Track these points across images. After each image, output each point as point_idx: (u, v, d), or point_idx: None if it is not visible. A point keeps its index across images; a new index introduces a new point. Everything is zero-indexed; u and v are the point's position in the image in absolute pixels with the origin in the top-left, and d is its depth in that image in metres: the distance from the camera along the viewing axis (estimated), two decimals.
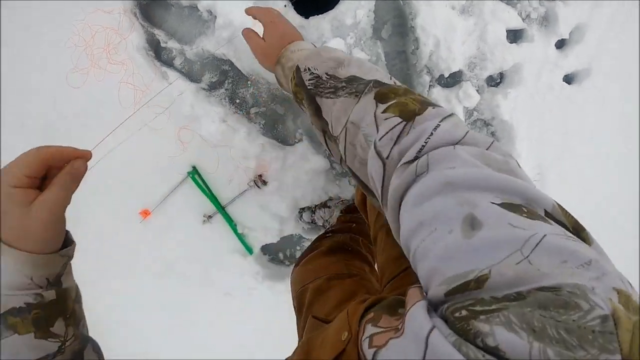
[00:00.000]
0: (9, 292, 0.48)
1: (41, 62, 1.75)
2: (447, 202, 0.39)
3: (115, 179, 1.81)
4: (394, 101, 0.52)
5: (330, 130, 0.61)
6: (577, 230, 0.37)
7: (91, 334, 0.63)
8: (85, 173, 0.55)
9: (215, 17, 1.61)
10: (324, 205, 1.72)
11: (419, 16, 1.66)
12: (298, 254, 1.89)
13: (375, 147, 0.50)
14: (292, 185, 1.70)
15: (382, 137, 0.49)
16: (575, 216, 0.38)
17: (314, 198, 1.71)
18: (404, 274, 0.89)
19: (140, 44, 1.69)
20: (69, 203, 0.53)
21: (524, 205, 0.37)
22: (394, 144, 0.48)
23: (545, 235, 0.33)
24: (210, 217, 1.78)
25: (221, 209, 1.75)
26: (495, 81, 1.82)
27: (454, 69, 1.69)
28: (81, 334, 0.58)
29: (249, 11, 0.92)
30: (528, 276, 0.30)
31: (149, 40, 1.71)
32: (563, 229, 0.36)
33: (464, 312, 0.31)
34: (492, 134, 1.82)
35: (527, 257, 0.32)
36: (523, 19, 1.77)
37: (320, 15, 1.63)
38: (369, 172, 0.52)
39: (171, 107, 1.69)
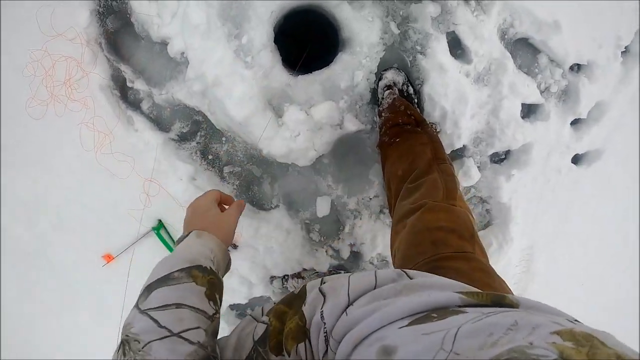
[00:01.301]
0: (201, 257, 0.60)
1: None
2: (361, 352, 0.36)
3: (80, 220, 1.44)
4: (284, 339, 0.47)
5: None
6: (498, 302, 0.35)
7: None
8: (243, 209, 0.77)
9: (188, 61, 1.18)
10: (297, 275, 1.37)
11: (427, 83, 1.23)
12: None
13: None
14: (264, 254, 1.33)
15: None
16: (490, 290, 0.36)
17: (287, 269, 1.35)
18: None
19: (104, 82, 1.26)
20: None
21: (432, 313, 0.34)
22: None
23: (460, 326, 0.29)
24: None
25: None
26: (500, 157, 1.42)
27: (457, 145, 1.29)
28: (219, 319, 0.59)
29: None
30: None
31: (114, 76, 1.27)
32: (481, 308, 0.33)
33: None
34: (487, 211, 1.44)
35: (451, 350, 0.27)
36: (542, 92, 1.35)
37: (311, 74, 1.20)
38: None
39: (136, 157, 1.29)
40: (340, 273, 1.39)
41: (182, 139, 1.30)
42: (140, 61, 1.25)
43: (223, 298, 1.52)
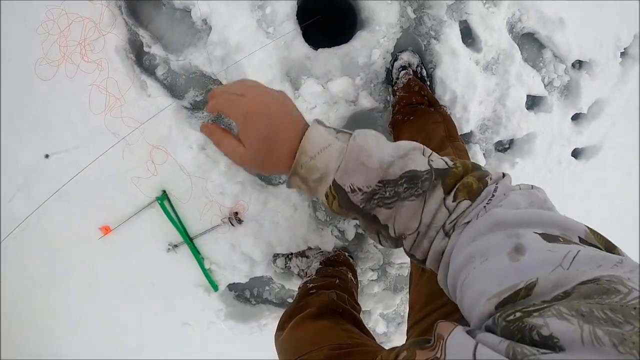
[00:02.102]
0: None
1: (8, 44, 1.32)
2: (496, 237, 0.39)
3: (78, 188, 1.41)
4: (459, 185, 0.47)
5: (392, 233, 0.50)
6: (609, 249, 0.38)
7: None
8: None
9: (211, 28, 1.21)
10: (301, 254, 1.37)
11: (440, 66, 1.29)
12: (266, 295, 1.54)
13: (444, 229, 0.46)
14: (269, 229, 1.33)
15: (452, 220, 0.46)
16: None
17: (292, 246, 1.36)
18: (433, 315, 0.73)
19: (121, 45, 1.27)
20: None
21: (560, 236, 0.38)
22: (460, 217, 0.45)
23: (579, 251, 0.33)
24: (175, 246, 1.40)
25: (189, 241, 1.38)
26: (504, 146, 1.48)
27: (465, 130, 1.34)
28: None
29: (211, 110, 0.56)
30: (570, 277, 0.31)
31: (131, 40, 1.29)
32: (595, 248, 0.36)
33: (517, 314, 0.30)
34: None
35: (567, 269, 0.32)
36: (545, 85, 1.43)
37: (331, 48, 1.24)
38: (432, 253, 0.48)
39: (146, 123, 1.30)
40: (344, 254, 1.40)
41: (195, 107, 1.31)
42: (160, 27, 1.27)
43: (223, 275, 1.49)
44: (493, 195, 0.44)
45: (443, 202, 0.47)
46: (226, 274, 1.43)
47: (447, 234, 0.46)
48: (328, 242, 1.37)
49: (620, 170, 1.57)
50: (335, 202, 0.49)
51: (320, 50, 1.21)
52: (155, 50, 1.27)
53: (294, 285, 1.45)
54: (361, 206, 0.48)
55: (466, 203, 0.45)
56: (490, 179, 0.47)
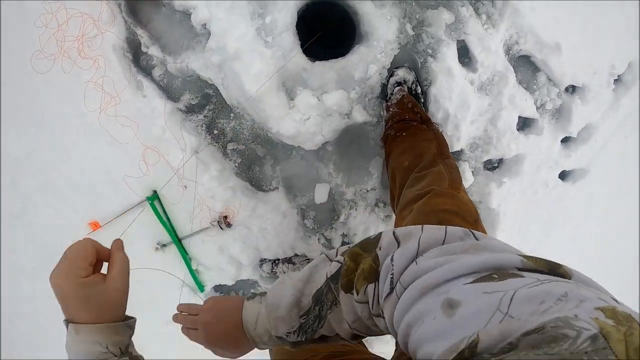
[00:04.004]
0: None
1: (5, 35, 1.35)
2: (426, 301, 0.39)
3: (70, 183, 1.46)
4: (355, 279, 0.51)
5: (345, 338, 0.57)
6: (554, 270, 0.37)
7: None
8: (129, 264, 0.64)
9: (210, 33, 1.25)
10: (288, 260, 1.43)
11: (434, 84, 1.35)
12: None
13: (374, 316, 0.50)
14: (257, 235, 1.39)
15: (372, 306, 0.49)
16: (547, 258, 0.39)
17: (279, 252, 1.42)
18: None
19: (119, 43, 1.31)
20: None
21: (494, 273, 0.37)
22: (378, 300, 0.48)
23: (516, 290, 0.33)
24: (164, 245, 1.46)
25: (178, 242, 1.44)
26: (493, 165, 1.55)
27: (456, 148, 1.41)
28: None
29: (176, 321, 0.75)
30: (512, 328, 0.30)
31: (129, 39, 1.33)
32: (537, 275, 0.36)
33: None
34: None
35: (506, 313, 0.31)
36: (537, 108, 1.49)
37: (328, 61, 1.29)
38: (383, 330, 0.51)
39: (140, 123, 1.34)
40: None
41: (190, 110, 1.35)
42: (159, 28, 1.31)
43: (210, 277, 1.54)
44: (392, 267, 0.46)
45: (353, 300, 0.51)
46: (213, 275, 1.49)
47: (379, 315, 0.49)
48: (315, 249, 1.44)
49: (606, 194, 1.65)
50: (287, 346, 0.61)
51: (317, 62, 1.26)
52: (153, 51, 1.31)
53: None
54: (303, 339, 0.58)
55: (371, 287, 0.49)
56: (380, 248, 0.50)
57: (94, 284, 0.57)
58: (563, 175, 1.62)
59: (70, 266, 0.57)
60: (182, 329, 0.71)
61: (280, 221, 1.38)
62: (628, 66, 1.55)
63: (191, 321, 0.68)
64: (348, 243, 1.50)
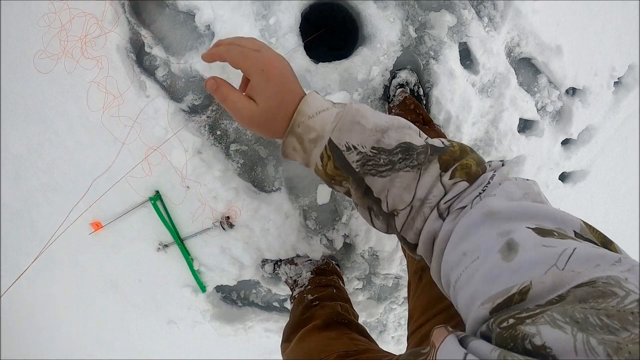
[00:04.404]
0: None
1: (8, 34, 1.36)
2: (488, 233, 0.39)
3: (71, 182, 1.47)
4: (457, 164, 0.48)
5: (385, 208, 0.50)
6: (605, 244, 0.37)
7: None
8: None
9: (213, 34, 1.26)
10: (290, 261, 1.45)
11: (436, 86, 1.37)
12: (253, 297, 1.62)
13: (438, 209, 0.47)
14: (259, 235, 1.40)
15: (447, 200, 0.46)
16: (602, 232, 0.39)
17: (281, 253, 1.43)
18: (431, 322, 0.77)
19: (122, 44, 1.32)
20: None
21: (554, 230, 0.37)
22: (456, 200, 0.46)
23: (575, 248, 0.33)
24: (166, 246, 1.47)
25: (180, 242, 1.45)
26: None
27: None
28: None
29: (214, 55, 0.56)
30: (565, 279, 0.30)
31: (132, 40, 1.34)
32: (592, 244, 0.36)
33: (511, 321, 0.29)
34: None
35: (563, 269, 0.32)
36: (538, 110, 1.51)
37: (331, 63, 1.31)
38: (424, 236, 0.48)
39: (143, 123, 1.35)
40: (332, 263, 1.48)
41: (193, 111, 1.36)
42: (162, 28, 1.32)
43: (212, 277, 1.55)
44: (489, 183, 0.45)
45: (439, 179, 0.47)
46: (214, 275, 1.50)
47: (441, 216, 0.46)
48: (317, 250, 1.45)
49: (606, 195, 1.67)
50: (330, 163, 0.50)
51: (320, 64, 1.28)
52: (157, 51, 1.32)
53: (280, 290, 1.53)
54: (356, 169, 0.49)
55: (464, 184, 0.46)
56: (489, 165, 0.49)
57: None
58: (563, 177, 1.64)
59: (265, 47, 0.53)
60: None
61: (282, 222, 1.40)
62: (628, 68, 1.57)
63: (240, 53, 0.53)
64: (350, 244, 1.52)
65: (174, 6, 1.30)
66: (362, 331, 1.08)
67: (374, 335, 1.71)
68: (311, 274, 1.39)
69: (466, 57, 1.41)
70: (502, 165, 0.49)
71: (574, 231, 0.38)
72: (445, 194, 0.47)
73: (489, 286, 0.34)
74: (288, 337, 1.06)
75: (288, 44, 1.24)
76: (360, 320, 1.65)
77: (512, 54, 1.45)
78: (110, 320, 1.60)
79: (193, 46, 1.32)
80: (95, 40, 1.33)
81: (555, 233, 0.36)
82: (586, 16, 1.46)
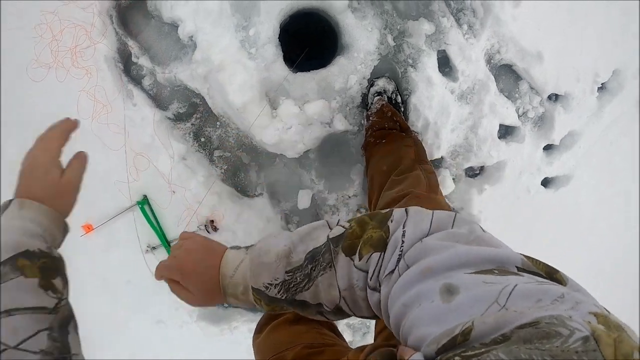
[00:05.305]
0: (26, 237, 0.53)
1: (3, 44, 1.45)
2: (427, 284, 0.40)
3: None
4: (360, 243, 0.51)
5: (327, 308, 0.56)
6: (550, 274, 0.38)
7: None
8: (87, 162, 0.68)
9: (196, 45, 1.33)
10: None
11: (414, 94, 1.41)
12: None
13: (369, 287, 0.50)
14: (242, 239, 1.47)
15: (371, 277, 0.49)
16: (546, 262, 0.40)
17: None
18: None
19: (110, 54, 1.39)
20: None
21: (495, 269, 0.38)
22: (380, 272, 0.49)
23: (516, 285, 0.34)
24: (154, 248, 1.55)
25: (167, 245, 1.52)
26: (475, 172, 1.61)
27: (436, 155, 1.47)
28: (69, 303, 0.58)
29: (158, 277, 0.65)
30: (508, 319, 0.30)
31: (120, 50, 1.41)
32: (536, 277, 0.37)
33: (457, 359, 0.30)
34: None
35: (503, 305, 0.32)
36: (519, 116, 1.54)
37: (309, 72, 1.37)
38: (373, 308, 0.52)
39: (131, 131, 1.43)
40: None
41: (178, 118, 1.44)
42: (148, 39, 1.39)
43: None
44: (403, 242, 0.47)
45: (352, 265, 0.51)
46: None
47: (376, 289, 0.49)
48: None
49: (590, 200, 1.70)
50: (263, 302, 0.57)
51: (299, 73, 1.34)
52: (143, 61, 1.40)
53: None
54: (283, 297, 0.56)
55: (375, 256, 0.49)
56: (392, 221, 0.51)
57: (55, 171, 0.61)
58: (546, 182, 1.68)
59: (47, 148, 0.63)
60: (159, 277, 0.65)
61: (264, 226, 1.46)
62: (613, 73, 1.59)
63: (168, 260, 0.64)
64: None
65: (159, 17, 1.37)
66: (332, 328, 1.12)
67: (357, 337, 1.77)
68: None
69: (445, 65, 1.46)
70: (407, 212, 0.51)
71: (516, 267, 0.39)
72: (366, 272, 0.50)
73: (433, 328, 0.35)
74: (260, 328, 1.10)
75: (267, 54, 1.31)
76: (343, 322, 1.71)
77: (492, 61, 1.49)
78: (100, 319, 1.69)
79: (177, 56, 1.39)
80: (84, 51, 1.41)
81: (495, 271, 0.38)
82: (568, 22, 1.49)
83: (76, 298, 1.65)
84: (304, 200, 1.47)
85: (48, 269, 0.54)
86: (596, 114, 1.61)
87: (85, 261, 1.62)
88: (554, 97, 1.58)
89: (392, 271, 0.46)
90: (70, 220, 1.51)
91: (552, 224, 1.67)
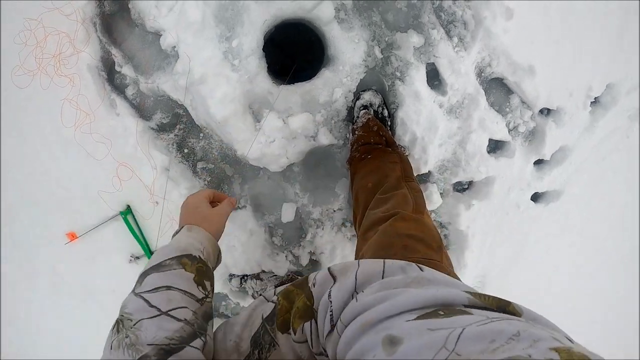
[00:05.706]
0: (190, 247, 0.70)
1: None
2: (368, 338, 0.39)
3: (47, 194, 1.55)
4: (290, 318, 0.53)
5: None
6: (503, 308, 0.36)
7: None
8: (235, 206, 1.08)
9: (179, 55, 1.32)
10: (256, 276, 1.51)
11: (402, 108, 1.40)
12: (222, 309, 1.69)
13: (315, 355, 0.51)
14: (225, 251, 1.47)
15: (312, 344, 0.50)
16: (495, 295, 0.38)
17: (246, 268, 1.49)
18: None
19: (93, 63, 1.38)
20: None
21: (439, 309, 0.36)
22: (318, 337, 0.50)
23: (464, 328, 0.32)
24: (137, 258, 1.55)
25: (150, 254, 1.52)
26: (463, 186, 1.59)
27: (423, 170, 1.46)
28: (212, 304, 0.68)
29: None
30: None
31: (103, 58, 1.40)
32: (486, 312, 0.35)
33: None
34: (445, 236, 1.61)
35: (453, 350, 0.30)
36: (510, 130, 1.52)
37: (293, 85, 1.35)
38: None
39: (114, 140, 1.42)
40: (298, 278, 1.54)
41: (161, 129, 1.43)
42: (132, 48, 1.38)
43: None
44: (331, 302, 0.48)
45: (291, 340, 0.53)
46: None
47: (322, 354, 0.50)
48: (282, 266, 1.51)
49: (580, 216, 1.68)
50: None
51: (282, 86, 1.32)
52: (126, 70, 1.39)
53: (248, 303, 1.60)
54: None
55: (307, 325, 0.50)
56: (314, 285, 0.53)
57: (207, 206, 0.85)
58: (536, 197, 1.66)
59: (198, 194, 0.88)
60: None
61: (247, 239, 1.46)
62: (606, 87, 1.57)
63: None
64: (316, 261, 1.57)
65: (143, 26, 1.36)
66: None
67: None
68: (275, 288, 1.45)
69: (434, 78, 1.44)
70: (330, 271, 0.52)
71: (463, 305, 0.37)
72: (307, 342, 0.51)
73: None
74: None
75: (250, 66, 1.29)
76: None
77: (482, 74, 1.47)
78: (84, 326, 1.69)
79: (160, 66, 1.37)
80: (68, 59, 1.40)
81: (440, 312, 0.36)
82: (561, 35, 1.47)
83: (62, 303, 1.66)
84: (288, 214, 1.46)
85: (202, 271, 0.67)
86: (588, 128, 1.58)
87: (70, 269, 1.62)
88: (546, 112, 1.56)
89: (330, 332, 0.46)
90: (55, 229, 1.49)
91: (542, 239, 1.65)
